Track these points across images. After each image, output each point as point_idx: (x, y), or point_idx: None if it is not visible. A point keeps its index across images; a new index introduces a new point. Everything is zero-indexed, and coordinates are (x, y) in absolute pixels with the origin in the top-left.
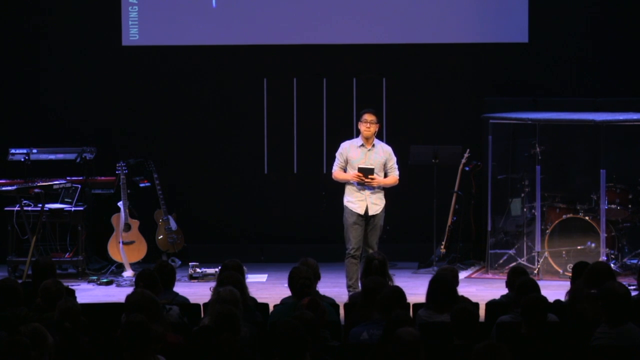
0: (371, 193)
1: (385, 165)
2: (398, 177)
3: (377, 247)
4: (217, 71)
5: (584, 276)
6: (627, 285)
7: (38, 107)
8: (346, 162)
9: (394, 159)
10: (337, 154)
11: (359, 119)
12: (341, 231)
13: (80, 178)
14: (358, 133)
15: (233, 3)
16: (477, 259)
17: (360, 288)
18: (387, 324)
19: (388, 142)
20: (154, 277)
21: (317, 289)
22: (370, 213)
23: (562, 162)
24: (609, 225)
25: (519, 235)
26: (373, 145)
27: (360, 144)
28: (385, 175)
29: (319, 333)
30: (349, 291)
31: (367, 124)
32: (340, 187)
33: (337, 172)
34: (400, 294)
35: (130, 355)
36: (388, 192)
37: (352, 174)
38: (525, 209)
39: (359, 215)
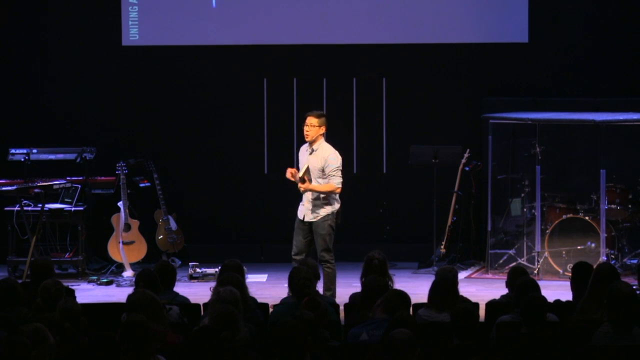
0: (310, 199)
1: (323, 171)
2: (337, 186)
3: (327, 257)
4: (217, 71)
5: (592, 282)
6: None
7: (38, 107)
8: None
9: (333, 166)
10: None
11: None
12: (341, 231)
13: (80, 178)
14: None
15: (233, 3)
16: (477, 259)
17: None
18: (389, 325)
19: (388, 142)
20: (154, 277)
21: (317, 288)
22: (306, 219)
23: (562, 162)
24: (609, 225)
25: (519, 235)
26: (314, 150)
27: (306, 147)
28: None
29: (319, 333)
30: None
31: (307, 128)
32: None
33: None
34: (404, 297)
35: (130, 355)
36: (390, 191)
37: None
38: (525, 209)
39: (300, 220)
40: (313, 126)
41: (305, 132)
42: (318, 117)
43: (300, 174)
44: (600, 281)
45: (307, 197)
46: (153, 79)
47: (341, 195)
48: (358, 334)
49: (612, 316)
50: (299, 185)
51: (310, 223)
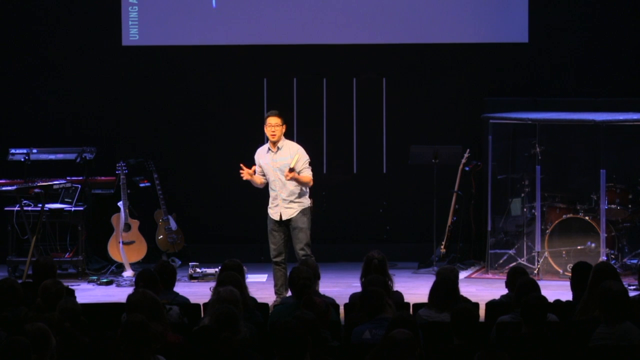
0: (284, 197)
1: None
2: (311, 177)
3: (307, 251)
4: (217, 71)
5: (591, 282)
6: (627, 285)
7: (38, 107)
8: (261, 167)
9: (305, 158)
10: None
11: (264, 122)
12: (341, 231)
13: (80, 178)
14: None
15: (233, 3)
16: (477, 259)
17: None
18: (389, 325)
19: (388, 142)
20: (154, 277)
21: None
22: (284, 217)
23: (562, 162)
24: (609, 225)
25: (519, 235)
26: (279, 148)
27: (268, 148)
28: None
29: (319, 333)
30: (276, 295)
31: (272, 128)
32: (340, 187)
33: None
34: (377, 295)
35: (130, 355)
36: (390, 191)
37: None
38: (525, 209)
39: (275, 221)
40: (278, 125)
41: (271, 133)
42: (280, 116)
43: (292, 164)
44: (598, 281)
45: (281, 197)
46: (153, 79)
47: (341, 194)
48: (361, 333)
49: (605, 315)
50: (286, 173)
51: (288, 221)
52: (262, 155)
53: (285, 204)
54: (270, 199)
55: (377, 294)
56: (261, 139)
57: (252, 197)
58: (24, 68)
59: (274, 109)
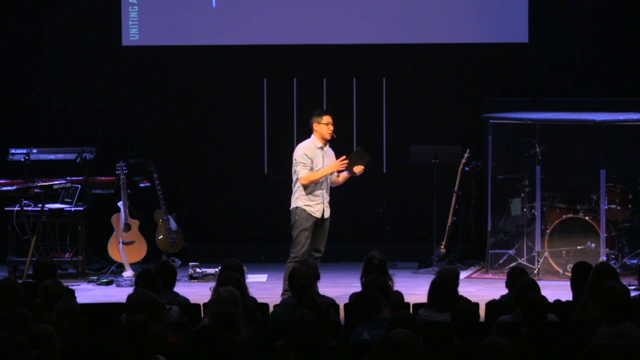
0: (326, 195)
1: None
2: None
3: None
4: (217, 71)
5: (590, 282)
6: (627, 285)
7: (38, 107)
8: (312, 164)
9: None
10: (301, 156)
11: (315, 120)
12: (341, 231)
13: (80, 178)
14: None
15: (233, 3)
16: (477, 259)
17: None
18: (389, 324)
19: (388, 142)
20: (154, 277)
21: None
22: (325, 215)
23: (562, 162)
24: (609, 225)
25: (519, 235)
26: (328, 145)
27: (320, 145)
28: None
29: None
30: (282, 296)
31: (331, 126)
32: (340, 187)
33: (309, 174)
34: (371, 298)
35: (130, 355)
36: (390, 191)
37: (335, 164)
38: (525, 209)
39: (316, 219)
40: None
41: (329, 131)
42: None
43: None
44: (598, 281)
45: (324, 195)
46: (153, 79)
47: (341, 194)
48: (360, 334)
49: (607, 315)
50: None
51: (324, 219)
52: (311, 151)
53: (326, 202)
54: (310, 196)
55: (372, 296)
56: (261, 139)
57: (252, 197)
58: (24, 68)
59: (319, 108)
